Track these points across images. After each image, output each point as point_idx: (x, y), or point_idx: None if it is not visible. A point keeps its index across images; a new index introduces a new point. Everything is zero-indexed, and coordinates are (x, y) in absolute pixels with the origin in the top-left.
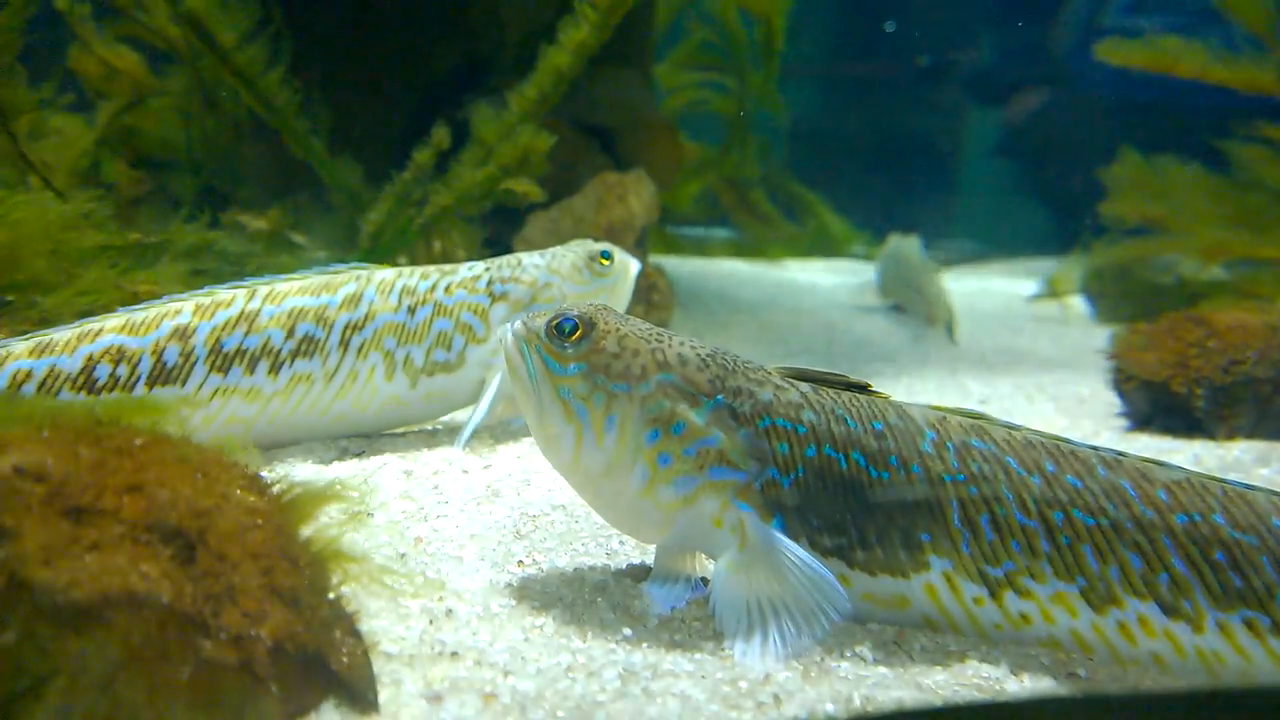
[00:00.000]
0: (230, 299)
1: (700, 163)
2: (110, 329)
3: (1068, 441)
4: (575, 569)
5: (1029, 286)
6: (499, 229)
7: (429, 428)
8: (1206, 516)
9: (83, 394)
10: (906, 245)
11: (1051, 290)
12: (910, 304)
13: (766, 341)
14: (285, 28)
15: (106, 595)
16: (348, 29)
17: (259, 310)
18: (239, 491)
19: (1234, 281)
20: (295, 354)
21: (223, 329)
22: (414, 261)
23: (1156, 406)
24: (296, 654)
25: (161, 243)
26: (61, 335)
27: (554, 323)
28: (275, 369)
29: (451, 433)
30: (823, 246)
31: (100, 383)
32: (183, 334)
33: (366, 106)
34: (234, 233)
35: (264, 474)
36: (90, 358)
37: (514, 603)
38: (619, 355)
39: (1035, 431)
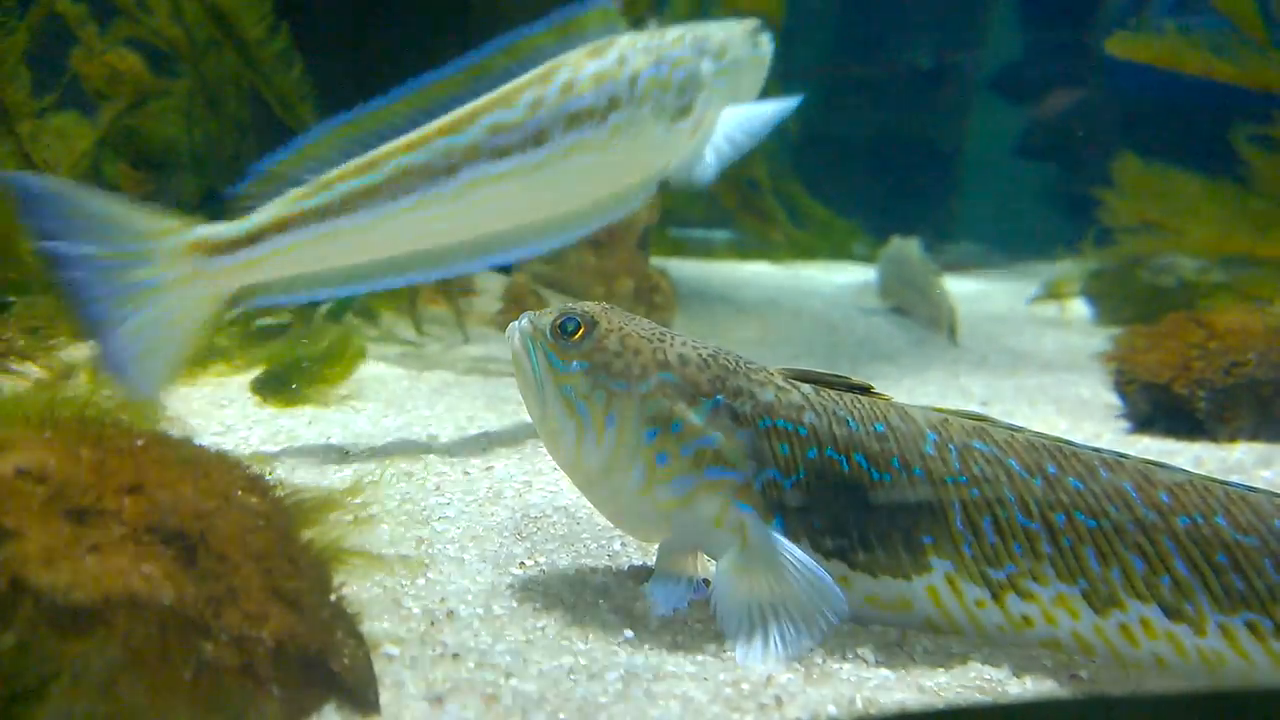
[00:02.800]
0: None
1: None
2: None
3: (1069, 443)
4: (577, 570)
5: (1030, 289)
6: None
7: (431, 431)
8: (1209, 519)
9: None
10: (907, 248)
11: (1052, 292)
12: (911, 306)
13: (769, 342)
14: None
15: (108, 597)
16: (347, 25)
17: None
18: (240, 493)
19: (1235, 283)
20: (608, 110)
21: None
22: None
23: (1158, 408)
24: (298, 655)
25: None
26: None
27: (558, 321)
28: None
29: (452, 437)
30: (825, 248)
31: None
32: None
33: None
34: None
35: (266, 476)
36: None
37: (515, 604)
38: (620, 354)
39: (1037, 433)
